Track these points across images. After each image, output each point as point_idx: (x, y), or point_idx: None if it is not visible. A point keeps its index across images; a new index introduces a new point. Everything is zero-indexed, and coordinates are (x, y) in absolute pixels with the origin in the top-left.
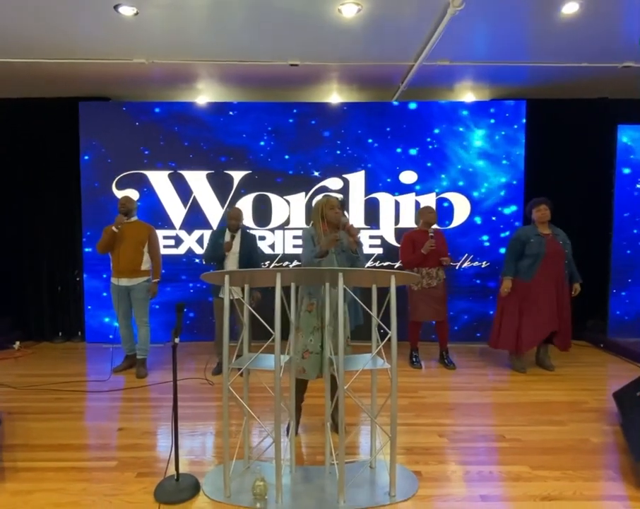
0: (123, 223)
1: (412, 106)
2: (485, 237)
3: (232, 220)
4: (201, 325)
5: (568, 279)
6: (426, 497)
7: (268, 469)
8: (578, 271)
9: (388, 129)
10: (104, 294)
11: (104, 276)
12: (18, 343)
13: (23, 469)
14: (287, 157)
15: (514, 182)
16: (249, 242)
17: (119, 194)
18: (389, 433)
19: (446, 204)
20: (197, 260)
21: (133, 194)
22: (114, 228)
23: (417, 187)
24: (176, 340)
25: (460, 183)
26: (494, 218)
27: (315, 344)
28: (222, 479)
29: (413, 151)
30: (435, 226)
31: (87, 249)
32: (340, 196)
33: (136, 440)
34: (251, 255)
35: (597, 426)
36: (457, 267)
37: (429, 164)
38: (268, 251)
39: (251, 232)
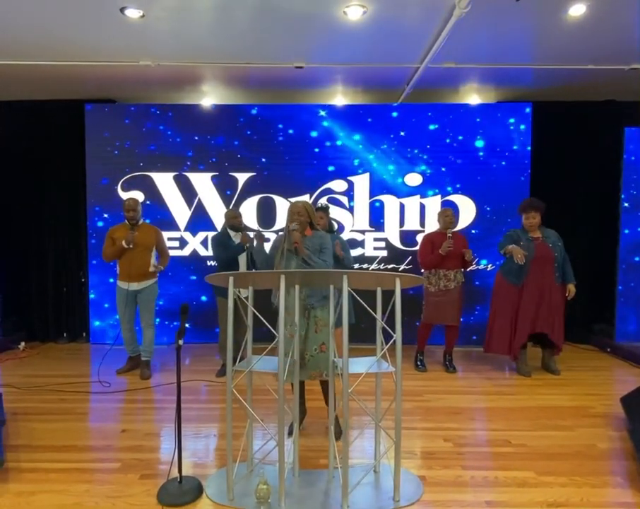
0: (134, 236)
1: (418, 108)
2: (490, 240)
3: (237, 219)
4: (205, 327)
5: (560, 280)
6: (430, 502)
7: (271, 472)
8: (585, 274)
9: (393, 131)
10: (110, 295)
11: (110, 278)
12: (23, 343)
13: (26, 470)
14: (291, 159)
15: (520, 185)
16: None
17: (125, 195)
18: (393, 437)
19: (451, 207)
20: (211, 262)
21: (139, 195)
22: (124, 245)
23: (422, 190)
24: (180, 342)
25: (466, 186)
26: (501, 223)
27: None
28: (225, 482)
29: (418, 153)
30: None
31: (92, 251)
32: (323, 201)
33: (140, 441)
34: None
35: (604, 432)
36: (462, 270)
37: (434, 166)
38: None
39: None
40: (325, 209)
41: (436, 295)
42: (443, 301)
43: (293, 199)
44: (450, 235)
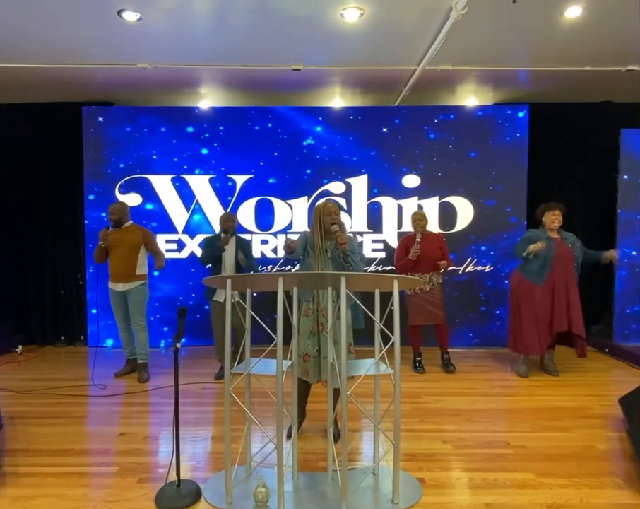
0: (110, 233)
1: (415, 110)
2: (488, 242)
3: (227, 222)
4: (204, 329)
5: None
6: (429, 504)
7: (270, 475)
8: (583, 276)
9: (390, 133)
10: (108, 298)
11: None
12: (20, 347)
13: (24, 474)
14: (289, 160)
15: (517, 186)
16: (244, 247)
17: (122, 198)
18: (392, 439)
19: (449, 209)
20: (209, 265)
21: (136, 198)
22: (100, 243)
23: (420, 191)
24: (178, 344)
25: (463, 187)
26: (499, 224)
27: (312, 348)
28: (223, 485)
29: (416, 155)
30: (436, 230)
31: (90, 254)
32: (336, 200)
33: (137, 445)
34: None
35: (603, 432)
36: (460, 272)
37: (432, 168)
38: (270, 255)
39: (247, 237)
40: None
41: (416, 298)
42: (424, 303)
43: (291, 201)
44: (418, 239)
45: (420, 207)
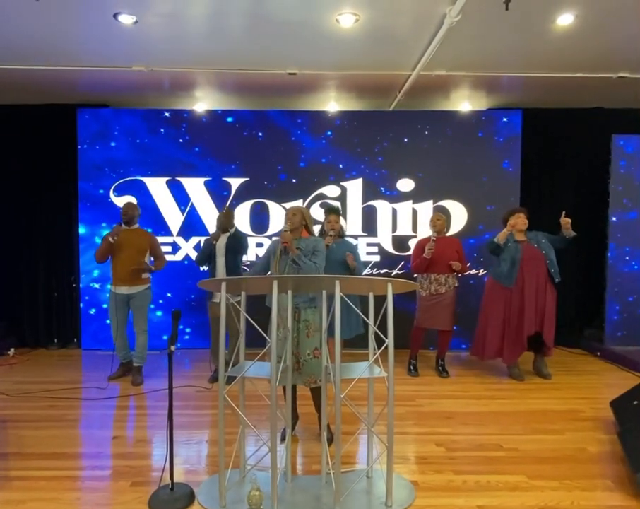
0: (121, 231)
1: (410, 115)
2: (481, 245)
3: (219, 218)
4: (198, 332)
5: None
6: (423, 507)
7: (263, 479)
8: (575, 280)
9: (385, 137)
10: (101, 301)
11: (101, 283)
12: (12, 349)
13: (16, 478)
14: (284, 164)
15: (510, 191)
16: (234, 244)
17: (117, 200)
18: (386, 442)
19: (443, 212)
20: (204, 268)
21: (131, 200)
22: (110, 239)
23: (414, 195)
24: (172, 347)
25: (457, 191)
26: (492, 228)
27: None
28: (217, 489)
29: (410, 159)
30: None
31: (83, 256)
32: (337, 203)
33: (131, 448)
34: (235, 257)
35: (595, 435)
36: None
37: (426, 172)
38: None
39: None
40: (337, 211)
41: (428, 300)
42: (435, 305)
43: (286, 204)
44: (433, 238)
45: (415, 211)
